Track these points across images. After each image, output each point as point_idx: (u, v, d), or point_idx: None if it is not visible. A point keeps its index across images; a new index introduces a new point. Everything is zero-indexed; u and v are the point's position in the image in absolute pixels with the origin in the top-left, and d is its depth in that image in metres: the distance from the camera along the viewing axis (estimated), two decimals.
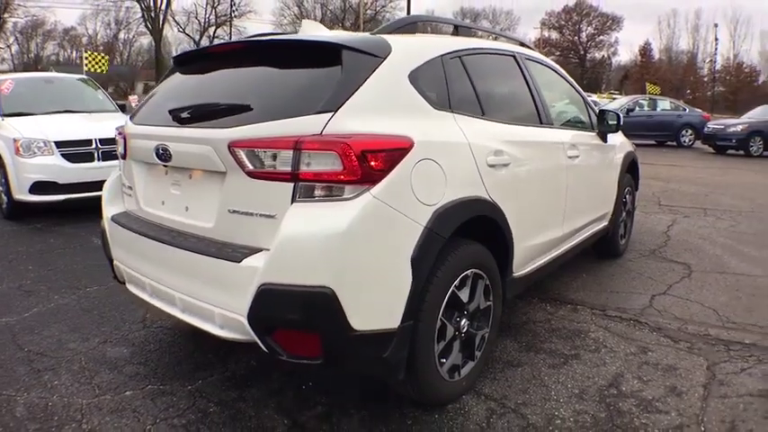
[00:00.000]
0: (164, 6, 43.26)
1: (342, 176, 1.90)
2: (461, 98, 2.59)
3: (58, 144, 5.82)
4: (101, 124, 6.21)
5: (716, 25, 47.32)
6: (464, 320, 2.42)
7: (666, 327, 3.32)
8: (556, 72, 3.89)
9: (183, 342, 3.10)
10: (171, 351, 2.99)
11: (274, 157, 1.95)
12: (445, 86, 2.50)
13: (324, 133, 1.92)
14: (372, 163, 1.93)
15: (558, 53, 56.11)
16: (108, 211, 2.72)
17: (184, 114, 2.25)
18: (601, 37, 59.26)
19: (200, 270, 2.09)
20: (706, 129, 16.25)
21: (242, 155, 1.99)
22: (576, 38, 59.33)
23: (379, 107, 2.12)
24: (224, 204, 2.09)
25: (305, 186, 1.92)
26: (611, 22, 57.93)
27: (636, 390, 2.60)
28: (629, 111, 17.02)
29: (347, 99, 2.00)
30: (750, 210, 7.14)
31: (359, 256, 1.91)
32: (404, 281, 2.03)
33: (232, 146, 2.01)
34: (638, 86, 39.46)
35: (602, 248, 4.66)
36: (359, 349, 1.97)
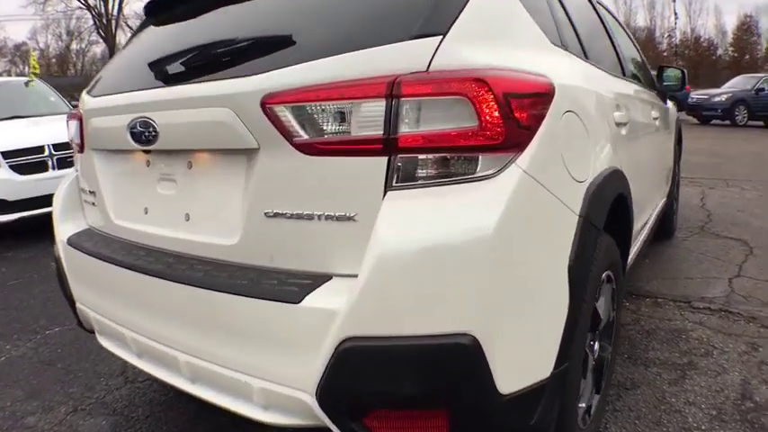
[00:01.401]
0: (115, 12, 41.56)
1: (475, 139, 1.11)
2: (566, 33, 1.82)
3: (5, 155, 4.96)
4: (54, 127, 5.30)
5: (674, 0, 48.08)
6: (596, 343, 1.75)
7: (760, 315, 3.01)
8: (609, 13, 3.17)
9: (184, 403, 2.24)
10: (168, 418, 2.13)
11: (346, 115, 1.14)
12: (550, 14, 1.73)
13: (431, 69, 1.12)
14: (518, 115, 1.14)
15: None
16: (62, 230, 1.85)
17: (177, 67, 1.42)
18: None
19: (222, 317, 1.28)
20: (690, 99, 16.29)
21: (287, 116, 1.18)
22: None
23: (493, 32, 1.32)
24: (256, 204, 1.27)
25: (408, 161, 1.13)
26: None
27: None
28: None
29: (456, 16, 1.20)
30: None
31: (511, 274, 1.13)
32: (560, 303, 1.27)
33: (268, 102, 1.20)
34: None
35: (660, 227, 4.11)
36: (501, 422, 1.17)
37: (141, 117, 1.45)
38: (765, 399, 2.22)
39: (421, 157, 1.13)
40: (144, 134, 1.45)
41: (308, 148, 1.18)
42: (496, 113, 1.12)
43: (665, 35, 52.10)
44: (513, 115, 1.16)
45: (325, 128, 1.16)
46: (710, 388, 2.29)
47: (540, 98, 1.27)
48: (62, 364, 2.65)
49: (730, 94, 15.50)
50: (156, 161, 1.54)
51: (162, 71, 1.46)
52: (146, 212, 1.58)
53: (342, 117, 1.15)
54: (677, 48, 50.86)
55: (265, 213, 1.25)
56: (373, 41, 1.16)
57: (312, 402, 1.15)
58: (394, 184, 1.13)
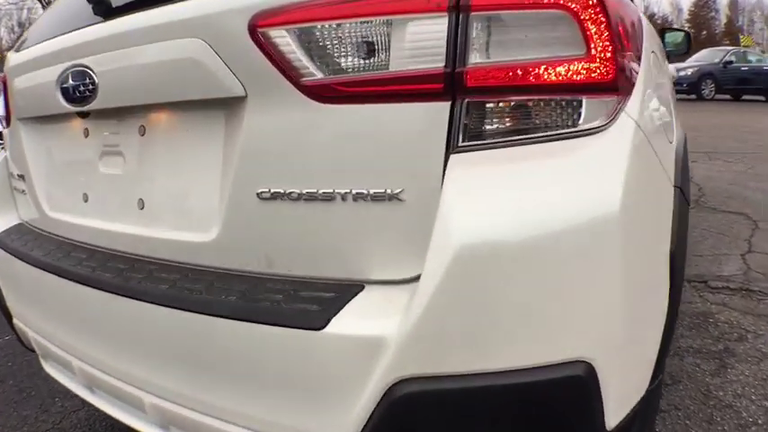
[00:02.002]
0: None
1: (581, 74, 0.73)
2: None
3: None
4: None
5: None
6: None
7: None
8: None
9: None
10: None
11: (383, 40, 0.75)
12: None
13: None
14: (626, 44, 0.78)
15: None
16: None
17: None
18: None
19: (200, 348, 0.87)
20: None
21: (290, 44, 0.78)
22: None
23: None
24: (242, 181, 0.86)
25: (481, 108, 0.75)
26: None
27: None
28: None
29: None
30: (753, 151, 6.86)
31: (632, 269, 0.76)
32: (663, 300, 0.91)
33: (260, 24, 0.79)
34: None
35: None
36: None
37: (74, 66, 1.02)
38: None
39: (501, 101, 0.75)
40: (78, 89, 1.02)
41: (323, 93, 0.77)
42: (608, 39, 0.74)
43: None
44: (624, 43, 0.79)
45: (350, 61, 0.76)
46: (756, 376, 2.07)
47: (640, 27, 0.90)
48: (13, 381, 2.19)
49: (697, 68, 15.31)
50: (97, 128, 1.11)
51: (102, 2, 1.03)
52: (85, 200, 1.15)
53: (377, 44, 0.75)
54: None
55: (258, 194, 0.84)
56: None
57: None
58: (460, 144, 0.75)
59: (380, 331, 0.72)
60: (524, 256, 0.69)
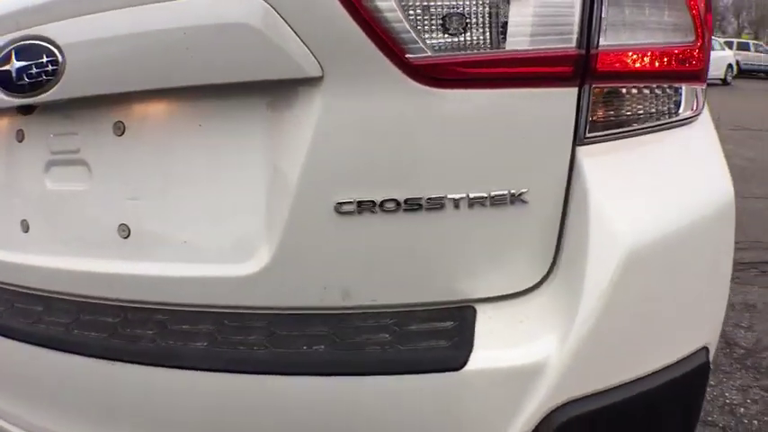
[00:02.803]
0: None
1: (687, 62, 0.70)
2: None
3: None
4: None
5: None
6: None
7: None
8: None
9: None
10: None
11: (504, 12, 0.62)
12: None
13: None
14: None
15: None
16: None
17: None
18: None
19: (279, 424, 0.65)
20: None
21: (394, 8, 0.61)
22: None
23: None
24: (312, 189, 0.66)
25: (609, 95, 0.66)
26: None
27: None
28: None
29: None
30: None
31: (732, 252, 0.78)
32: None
33: None
34: None
35: None
36: None
37: (23, 39, 0.72)
38: None
39: (624, 88, 0.68)
40: (27, 73, 0.72)
41: (434, 74, 0.62)
42: (707, 29, 0.73)
43: None
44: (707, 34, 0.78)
45: (469, 36, 0.63)
46: None
47: None
48: None
49: None
50: (38, 129, 0.80)
51: None
52: (24, 230, 0.83)
53: (498, 17, 0.63)
54: None
55: (336, 206, 0.65)
56: None
57: None
58: (587, 135, 0.65)
59: (536, 356, 0.60)
60: (678, 251, 0.66)
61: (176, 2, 0.65)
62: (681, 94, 0.72)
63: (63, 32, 0.70)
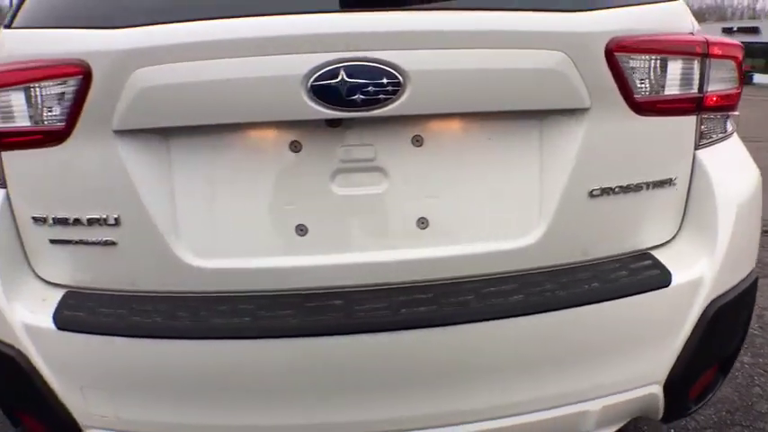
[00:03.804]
0: None
1: (733, 98, 1.20)
2: None
3: None
4: None
5: None
6: None
7: None
8: None
9: None
10: None
11: (671, 70, 1.04)
12: None
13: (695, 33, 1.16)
14: None
15: None
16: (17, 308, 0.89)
17: None
18: None
19: (560, 341, 0.96)
20: None
21: (631, 68, 0.98)
22: None
23: None
24: (576, 182, 0.98)
25: (708, 119, 1.13)
26: None
27: None
28: None
29: None
30: None
31: None
32: None
33: (617, 49, 0.95)
34: None
35: None
36: None
37: (356, 59, 0.84)
38: None
39: (713, 115, 1.15)
40: (361, 91, 0.84)
41: (643, 107, 1.00)
42: (741, 81, 1.22)
43: None
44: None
45: (659, 84, 1.02)
46: None
47: None
48: None
49: None
50: (323, 141, 0.91)
51: None
52: (301, 233, 0.92)
53: (668, 72, 1.03)
54: None
55: (590, 192, 0.98)
56: None
57: (658, 391, 1.05)
58: (700, 143, 1.11)
59: (700, 273, 1.03)
60: (753, 204, 1.13)
61: (501, 50, 0.89)
62: (729, 118, 1.21)
63: (410, 60, 0.86)
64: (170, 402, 0.92)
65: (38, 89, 0.89)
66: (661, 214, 1.08)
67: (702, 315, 1.03)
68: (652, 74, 1.01)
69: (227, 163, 0.92)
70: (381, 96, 0.86)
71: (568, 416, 0.98)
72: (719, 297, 1.05)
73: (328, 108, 0.85)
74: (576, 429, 1.02)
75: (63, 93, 0.88)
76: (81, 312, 0.92)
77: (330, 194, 0.93)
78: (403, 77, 0.86)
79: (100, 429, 0.97)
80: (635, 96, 0.99)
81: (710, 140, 1.15)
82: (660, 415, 1.10)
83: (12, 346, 0.94)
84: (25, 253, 0.98)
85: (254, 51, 0.85)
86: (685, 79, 1.05)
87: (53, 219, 0.94)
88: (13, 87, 0.90)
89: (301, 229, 0.93)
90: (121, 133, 0.88)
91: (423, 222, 0.95)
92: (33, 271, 0.98)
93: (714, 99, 1.11)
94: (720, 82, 1.13)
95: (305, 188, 0.93)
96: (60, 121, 0.89)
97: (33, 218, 0.95)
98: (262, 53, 0.85)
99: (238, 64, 0.85)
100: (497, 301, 0.92)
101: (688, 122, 1.07)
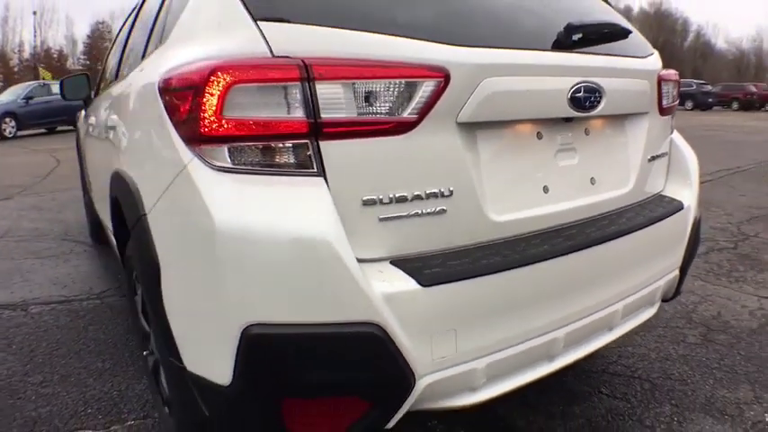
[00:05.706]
0: None
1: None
2: None
3: None
4: None
5: (34, 13, 49.67)
6: None
7: None
8: None
9: None
10: None
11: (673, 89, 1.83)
12: None
13: None
14: None
15: None
16: (382, 285, 1.10)
17: (576, 35, 1.41)
18: None
19: (646, 248, 1.59)
20: None
21: (663, 89, 1.73)
22: None
23: None
24: (646, 153, 1.68)
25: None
26: None
27: None
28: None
29: None
30: None
31: None
32: None
33: (662, 78, 1.70)
34: None
35: None
36: None
37: (583, 82, 1.37)
38: None
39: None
40: (589, 100, 1.38)
41: (664, 111, 1.75)
42: None
43: (17, 50, 53.49)
44: None
45: (671, 99, 1.78)
46: None
47: None
48: None
49: None
50: (549, 132, 1.41)
51: (561, 34, 1.39)
52: (545, 191, 1.39)
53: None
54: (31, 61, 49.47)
55: (649, 158, 1.68)
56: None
57: (677, 274, 1.76)
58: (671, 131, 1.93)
59: (689, 202, 1.79)
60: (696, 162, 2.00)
61: (628, 79, 1.55)
62: (673, 119, 2.08)
63: (608, 83, 1.44)
64: (498, 321, 1.22)
65: (397, 86, 1.11)
66: (662, 172, 1.81)
67: (693, 224, 1.76)
68: (673, 91, 1.76)
69: (505, 147, 1.34)
70: (595, 103, 1.42)
71: (649, 293, 1.63)
72: (697, 216, 1.83)
73: (575, 110, 1.38)
74: (653, 301, 1.69)
75: (422, 90, 1.14)
76: (436, 269, 1.13)
77: (556, 165, 1.43)
78: (602, 93, 1.44)
79: (433, 373, 1.13)
80: (663, 104, 1.73)
81: (672, 129, 1.95)
82: (672, 293, 1.79)
83: (369, 323, 1.04)
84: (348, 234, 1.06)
85: (544, 72, 1.34)
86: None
87: (389, 198, 1.12)
88: (370, 81, 1.08)
89: (546, 189, 1.41)
90: (460, 125, 1.22)
91: (592, 181, 1.52)
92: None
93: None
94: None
95: (545, 162, 1.41)
96: (413, 113, 1.14)
97: (363, 200, 1.11)
98: (548, 74, 1.34)
99: (534, 81, 1.31)
100: (626, 223, 1.53)
101: (669, 120, 1.86)
